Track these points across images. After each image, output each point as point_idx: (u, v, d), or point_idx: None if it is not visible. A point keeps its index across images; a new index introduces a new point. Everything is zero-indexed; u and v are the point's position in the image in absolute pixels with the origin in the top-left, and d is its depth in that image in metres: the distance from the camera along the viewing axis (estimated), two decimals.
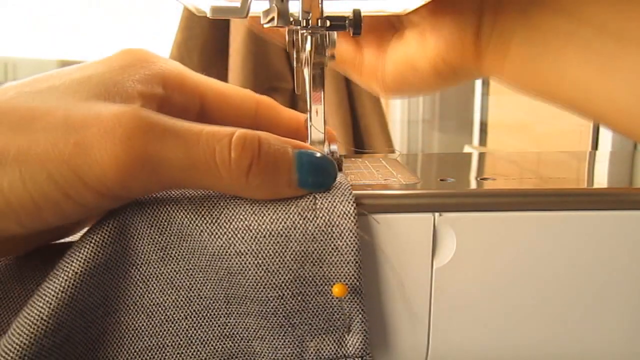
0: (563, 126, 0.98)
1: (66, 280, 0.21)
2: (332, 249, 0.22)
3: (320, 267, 0.22)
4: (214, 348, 0.23)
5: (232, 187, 0.21)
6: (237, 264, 0.22)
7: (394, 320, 0.24)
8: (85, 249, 0.22)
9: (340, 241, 0.22)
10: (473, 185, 0.27)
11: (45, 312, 0.21)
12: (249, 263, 0.22)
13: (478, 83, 1.39)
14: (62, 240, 0.29)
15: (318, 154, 0.22)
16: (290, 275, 0.22)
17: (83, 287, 0.21)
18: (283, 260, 0.22)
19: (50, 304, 0.21)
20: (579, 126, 0.90)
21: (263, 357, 0.23)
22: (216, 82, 0.27)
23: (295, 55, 0.28)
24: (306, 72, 0.27)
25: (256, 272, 0.22)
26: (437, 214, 0.23)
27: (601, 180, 0.31)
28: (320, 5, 0.26)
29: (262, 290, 0.22)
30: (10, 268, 0.27)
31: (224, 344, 0.23)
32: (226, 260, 0.22)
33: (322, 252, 0.22)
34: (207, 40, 0.79)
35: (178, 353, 0.23)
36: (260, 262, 0.22)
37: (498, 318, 0.25)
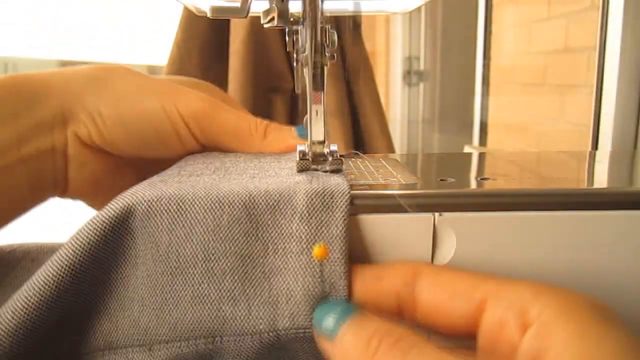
0: (563, 126, 0.98)
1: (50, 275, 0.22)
2: (323, 206, 0.23)
3: (308, 223, 0.22)
4: (183, 311, 0.22)
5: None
6: (227, 214, 0.22)
7: None
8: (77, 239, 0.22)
9: (333, 200, 0.23)
10: (473, 185, 0.27)
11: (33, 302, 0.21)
12: (241, 214, 0.22)
13: (478, 83, 1.39)
14: (55, 242, 0.29)
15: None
16: (278, 230, 0.22)
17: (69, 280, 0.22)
18: (274, 216, 0.23)
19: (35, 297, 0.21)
20: (579, 126, 0.90)
21: (233, 322, 0.22)
22: None
23: (295, 56, 0.28)
24: (306, 72, 0.27)
25: (246, 225, 0.22)
26: (437, 214, 0.23)
27: (601, 180, 0.32)
28: (320, 5, 0.26)
29: (247, 244, 0.22)
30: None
31: (194, 307, 0.22)
32: (217, 212, 0.22)
33: (311, 209, 0.23)
34: (207, 40, 0.79)
35: (153, 309, 0.22)
36: (252, 213, 0.23)
37: None
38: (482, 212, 0.24)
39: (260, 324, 0.22)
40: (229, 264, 0.22)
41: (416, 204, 0.24)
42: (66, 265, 0.22)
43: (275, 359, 0.23)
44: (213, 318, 0.22)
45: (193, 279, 0.22)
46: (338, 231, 0.22)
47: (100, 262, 0.23)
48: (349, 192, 0.23)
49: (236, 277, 0.22)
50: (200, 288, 0.22)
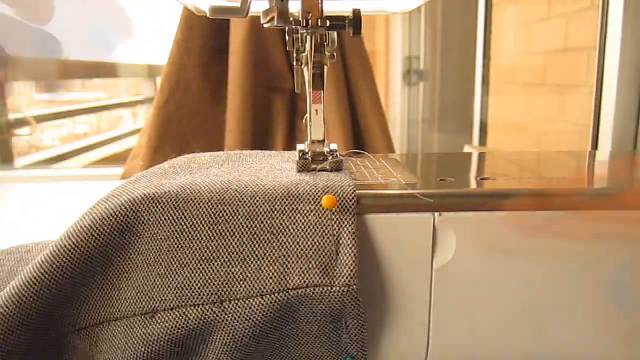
0: (563, 126, 0.98)
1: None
2: (329, 174, 0.24)
3: (315, 185, 0.23)
4: (191, 273, 0.22)
5: None
6: (236, 179, 0.23)
7: (394, 319, 0.24)
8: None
9: (340, 173, 0.24)
10: (473, 185, 0.27)
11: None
12: (247, 179, 0.23)
13: (478, 83, 1.39)
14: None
15: None
16: (285, 191, 0.23)
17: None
18: (280, 182, 0.23)
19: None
20: (579, 126, 0.90)
21: (243, 282, 0.22)
22: None
23: (295, 55, 0.28)
24: (306, 71, 0.27)
25: (253, 188, 0.23)
26: (437, 214, 0.23)
27: (601, 180, 0.31)
28: (320, 5, 0.26)
29: (255, 205, 0.22)
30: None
31: (202, 268, 0.22)
32: (225, 177, 0.23)
33: (318, 177, 0.24)
34: (207, 40, 0.79)
35: (158, 274, 0.22)
36: (256, 177, 0.23)
37: (498, 317, 0.25)
38: (482, 212, 0.24)
39: (271, 283, 0.21)
40: (237, 225, 0.22)
41: (416, 204, 0.24)
42: (68, 250, 0.22)
43: (285, 335, 0.23)
44: (222, 279, 0.22)
45: (201, 240, 0.22)
46: (347, 184, 0.23)
47: (105, 243, 0.23)
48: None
49: (245, 237, 0.22)
50: (208, 249, 0.22)
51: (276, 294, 0.21)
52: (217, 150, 0.33)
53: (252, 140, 0.76)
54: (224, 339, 0.22)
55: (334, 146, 0.27)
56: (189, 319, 0.21)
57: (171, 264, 0.22)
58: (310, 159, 0.27)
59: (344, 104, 0.82)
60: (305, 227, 0.22)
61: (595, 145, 0.64)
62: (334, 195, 0.22)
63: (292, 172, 0.26)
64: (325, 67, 0.27)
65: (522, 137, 1.19)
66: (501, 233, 0.24)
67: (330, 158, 0.27)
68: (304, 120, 0.28)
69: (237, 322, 0.21)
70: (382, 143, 0.84)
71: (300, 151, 0.27)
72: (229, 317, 0.21)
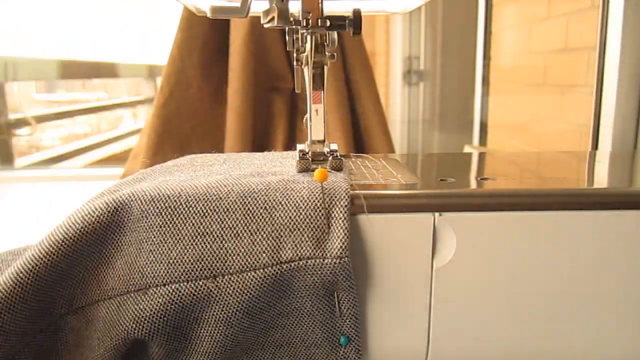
0: (563, 126, 0.98)
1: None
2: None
3: (309, 174, 0.24)
4: (183, 248, 0.22)
5: None
6: (236, 172, 0.24)
7: (394, 319, 0.24)
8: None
9: (338, 173, 0.25)
10: (473, 185, 0.27)
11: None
12: (247, 170, 0.24)
13: (478, 83, 1.39)
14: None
15: None
16: (278, 171, 0.23)
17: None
18: (278, 173, 0.24)
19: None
20: (579, 126, 0.90)
21: (236, 257, 0.22)
22: None
23: (295, 55, 0.28)
24: (306, 71, 0.27)
25: (247, 167, 0.24)
26: (437, 214, 0.23)
27: (601, 180, 0.32)
28: (320, 5, 0.26)
29: (249, 182, 0.23)
30: None
31: (195, 244, 0.22)
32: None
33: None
34: (207, 40, 0.79)
35: (150, 250, 0.22)
36: (255, 171, 0.24)
37: (497, 317, 0.25)
38: (482, 212, 0.24)
39: (264, 256, 0.22)
40: (231, 201, 0.22)
41: (416, 204, 0.24)
42: (64, 230, 0.22)
43: (279, 313, 0.23)
44: (215, 254, 0.22)
45: (194, 216, 0.22)
46: (341, 174, 0.23)
47: (100, 222, 0.23)
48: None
49: (238, 213, 0.22)
50: (201, 224, 0.22)
51: (269, 268, 0.21)
52: (217, 150, 0.33)
53: (252, 140, 0.76)
54: (217, 314, 0.22)
55: (334, 146, 0.27)
56: (182, 294, 0.21)
57: (164, 239, 0.22)
58: (310, 159, 0.27)
59: (344, 104, 0.82)
60: (297, 201, 0.22)
61: (595, 145, 0.64)
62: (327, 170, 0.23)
63: (292, 170, 0.26)
64: (325, 67, 0.27)
65: (522, 137, 1.19)
66: (501, 233, 0.24)
67: (330, 158, 0.27)
68: (304, 120, 0.28)
69: (231, 296, 0.21)
70: (382, 143, 0.84)
71: (301, 151, 0.27)
72: (222, 291, 0.21)
